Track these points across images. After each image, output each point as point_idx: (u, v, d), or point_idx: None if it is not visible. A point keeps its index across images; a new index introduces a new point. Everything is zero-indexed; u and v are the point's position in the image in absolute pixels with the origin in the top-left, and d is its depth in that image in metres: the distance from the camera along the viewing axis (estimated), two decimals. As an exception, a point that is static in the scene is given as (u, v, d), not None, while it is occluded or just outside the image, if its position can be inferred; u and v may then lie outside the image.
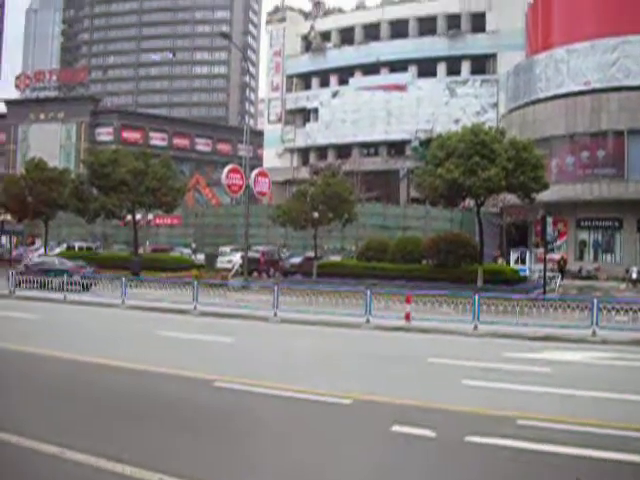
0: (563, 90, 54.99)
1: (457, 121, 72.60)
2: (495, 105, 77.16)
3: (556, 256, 48.43)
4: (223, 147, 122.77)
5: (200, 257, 51.69)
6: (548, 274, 37.47)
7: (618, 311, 20.56)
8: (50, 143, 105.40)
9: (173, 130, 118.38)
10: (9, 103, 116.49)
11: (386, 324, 20.96)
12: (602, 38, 53.08)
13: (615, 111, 51.60)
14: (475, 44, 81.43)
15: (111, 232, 65.58)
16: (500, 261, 48.71)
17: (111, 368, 12.68)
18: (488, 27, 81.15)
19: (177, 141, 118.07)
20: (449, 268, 37.41)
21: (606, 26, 53.17)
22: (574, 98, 53.85)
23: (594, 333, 19.28)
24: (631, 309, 20.96)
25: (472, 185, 34.41)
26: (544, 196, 38.77)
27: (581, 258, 53.52)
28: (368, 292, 22.06)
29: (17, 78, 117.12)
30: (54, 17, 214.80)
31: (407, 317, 21.33)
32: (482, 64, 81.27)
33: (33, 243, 66.34)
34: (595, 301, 20.08)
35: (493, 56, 79.82)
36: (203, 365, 13.19)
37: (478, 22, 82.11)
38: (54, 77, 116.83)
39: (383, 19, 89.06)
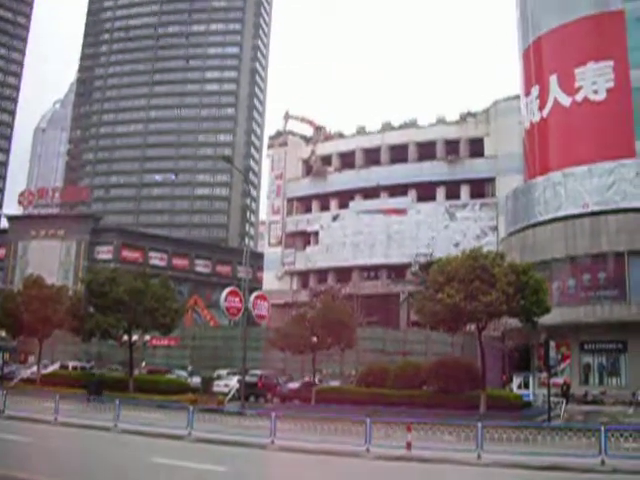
0: (562, 213, 55.63)
1: (457, 244, 73.36)
2: (495, 228, 78.11)
3: (560, 380, 47.78)
4: (222, 269, 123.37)
5: (196, 380, 50.86)
6: (553, 399, 36.86)
7: (627, 438, 20.08)
8: (49, 260, 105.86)
9: (173, 250, 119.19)
10: (11, 219, 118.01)
11: (387, 454, 20.39)
12: (598, 162, 54.16)
13: (614, 233, 52.06)
14: (474, 168, 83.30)
15: (107, 352, 64.87)
16: (508, 386, 48.06)
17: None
18: (486, 152, 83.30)
19: (176, 261, 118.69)
20: (451, 394, 36.76)
21: (602, 150, 54.38)
22: (573, 221, 54.41)
23: (603, 462, 18.73)
24: (639, 435, 20.49)
25: (473, 310, 34.33)
26: (546, 319, 38.53)
27: (586, 382, 52.68)
28: (368, 420, 21.46)
29: (20, 195, 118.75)
30: (61, 136, 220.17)
31: (408, 446, 20.76)
32: (481, 188, 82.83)
33: (26, 360, 65.50)
34: (602, 428, 19.56)
35: (492, 180, 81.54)
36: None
37: (476, 147, 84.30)
38: (57, 195, 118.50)
39: (383, 144, 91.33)
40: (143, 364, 60.02)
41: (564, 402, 41.00)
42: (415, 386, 39.21)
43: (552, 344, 36.66)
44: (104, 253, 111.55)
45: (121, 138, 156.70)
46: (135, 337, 47.36)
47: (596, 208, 53.60)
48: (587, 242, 53.17)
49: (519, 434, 21.01)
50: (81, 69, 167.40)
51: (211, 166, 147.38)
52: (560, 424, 30.07)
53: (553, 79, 59.61)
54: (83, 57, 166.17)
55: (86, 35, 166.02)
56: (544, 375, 40.87)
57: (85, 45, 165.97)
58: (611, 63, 55.56)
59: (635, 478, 17.01)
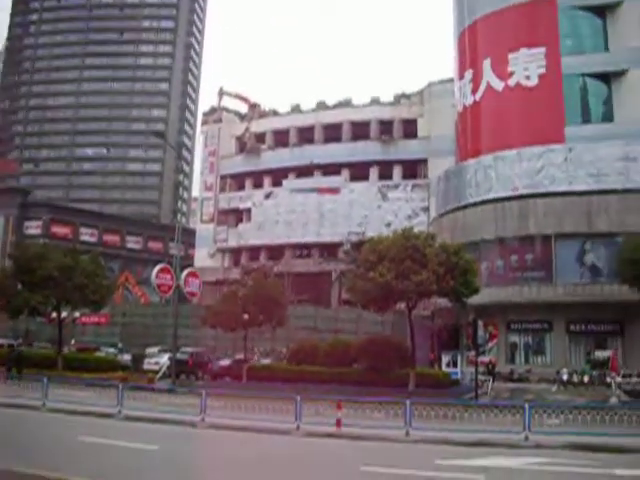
0: (492, 195, 56.51)
1: (389, 224, 73.96)
2: (426, 209, 78.99)
3: (486, 359, 48.77)
4: (154, 245, 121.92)
5: (127, 357, 50.32)
6: (480, 377, 37.61)
7: (550, 414, 20.61)
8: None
9: (104, 226, 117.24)
10: None
11: (317, 431, 20.54)
12: (528, 146, 55.14)
13: (542, 216, 53.17)
14: (407, 149, 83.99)
15: (35, 329, 63.62)
16: (436, 365, 48.84)
17: (24, 477, 12.03)
18: (420, 133, 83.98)
19: (107, 238, 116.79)
20: (380, 372, 37.17)
21: (532, 135, 55.40)
22: (503, 203, 55.34)
23: (527, 438, 19.22)
24: (562, 412, 21.07)
25: (404, 289, 34.76)
26: (475, 299, 39.22)
27: (512, 361, 53.93)
28: (298, 398, 21.58)
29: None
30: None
31: (338, 424, 20.95)
32: (414, 169, 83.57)
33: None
34: (527, 405, 20.07)
35: (424, 161, 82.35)
36: (125, 476, 12.62)
37: (410, 128, 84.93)
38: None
39: (317, 123, 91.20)
40: (72, 342, 59.05)
41: (491, 380, 41.92)
42: (345, 364, 39.54)
43: (480, 323, 37.37)
44: (33, 228, 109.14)
45: (52, 110, 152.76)
46: (64, 314, 46.47)
47: (525, 191, 54.62)
48: (516, 224, 54.19)
49: (447, 411, 21.43)
50: (10, 37, 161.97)
51: (144, 141, 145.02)
52: (486, 402, 30.69)
53: (487, 63, 60.37)
54: (12, 25, 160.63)
55: (15, 2, 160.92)
56: (472, 354, 41.64)
57: (14, 13, 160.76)
58: (543, 50, 56.57)
59: (556, 452, 17.50)
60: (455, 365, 47.75)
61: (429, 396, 27.08)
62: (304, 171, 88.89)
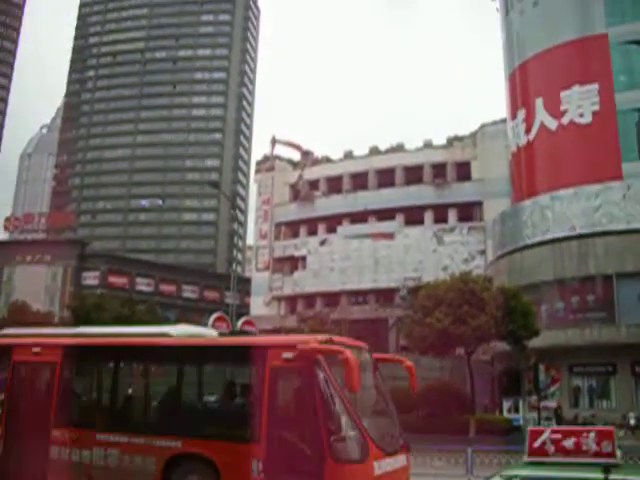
0: (549, 236, 55.81)
1: (445, 268, 73.39)
2: (483, 252, 78.22)
3: (551, 404, 47.75)
4: (210, 294, 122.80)
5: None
6: (543, 423, 36.85)
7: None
8: (35, 286, 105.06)
9: (160, 276, 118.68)
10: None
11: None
12: (585, 185, 54.48)
13: (602, 255, 52.26)
14: (461, 192, 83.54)
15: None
16: (498, 410, 48.07)
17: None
18: (474, 175, 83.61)
19: (164, 287, 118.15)
20: (440, 418, 36.70)
21: (589, 173, 54.73)
22: (560, 244, 54.59)
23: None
24: (631, 459, 20.55)
25: (462, 334, 34.48)
26: (535, 342, 38.62)
27: (576, 405, 52.61)
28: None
29: (6, 220, 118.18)
30: (47, 161, 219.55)
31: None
32: (469, 211, 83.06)
33: None
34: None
35: (479, 204, 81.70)
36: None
37: (463, 171, 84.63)
38: (43, 220, 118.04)
39: (370, 168, 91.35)
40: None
41: (556, 425, 40.93)
42: (405, 411, 39.08)
43: (541, 367, 36.81)
44: (91, 279, 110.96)
45: (108, 163, 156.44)
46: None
47: (583, 231, 53.86)
48: (575, 265, 53.35)
49: (509, 459, 21.02)
50: (68, 94, 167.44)
51: (198, 191, 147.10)
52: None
53: (539, 102, 60.14)
54: (70, 82, 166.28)
55: (73, 60, 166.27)
56: (534, 398, 40.90)
57: (72, 70, 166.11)
58: (596, 86, 56.09)
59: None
60: (517, 411, 46.83)
61: (491, 443, 26.62)
62: (358, 217, 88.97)
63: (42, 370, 16.95)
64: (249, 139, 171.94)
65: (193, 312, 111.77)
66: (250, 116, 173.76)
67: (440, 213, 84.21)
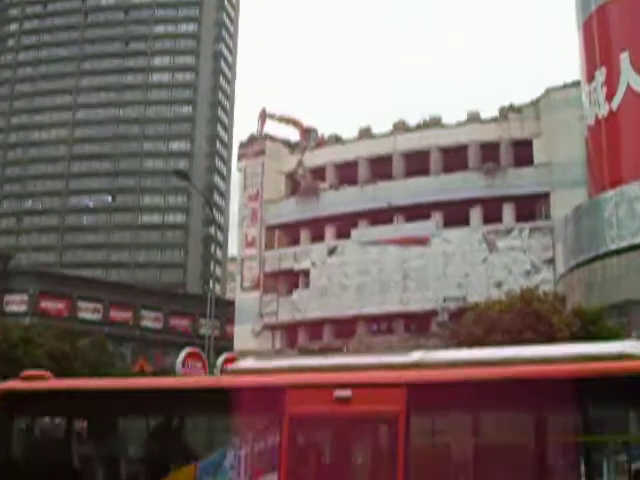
0: (640, 239, 55.69)
1: (499, 285, 73.25)
2: (550, 261, 77.71)
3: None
4: (179, 323, 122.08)
5: None
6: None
7: None
8: None
9: (110, 299, 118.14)
10: None
11: None
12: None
13: None
14: (520, 181, 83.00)
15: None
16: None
17: None
18: (537, 159, 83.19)
19: (115, 314, 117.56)
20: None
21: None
22: (657, 249, 54.46)
23: None
24: None
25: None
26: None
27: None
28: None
29: None
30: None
31: None
32: (531, 207, 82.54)
33: None
34: None
35: (545, 196, 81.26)
36: None
37: (523, 152, 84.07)
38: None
39: (395, 151, 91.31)
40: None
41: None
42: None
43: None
44: (16, 304, 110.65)
45: (38, 148, 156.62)
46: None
47: (688, 232, 53.72)
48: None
49: None
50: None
51: (161, 185, 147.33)
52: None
53: (625, 59, 59.88)
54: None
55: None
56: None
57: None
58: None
59: None
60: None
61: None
62: (380, 216, 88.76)
63: (362, 428, 13.97)
64: (230, 114, 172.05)
65: (156, 347, 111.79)
66: (230, 83, 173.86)
67: (491, 210, 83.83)
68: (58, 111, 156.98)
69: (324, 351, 63.28)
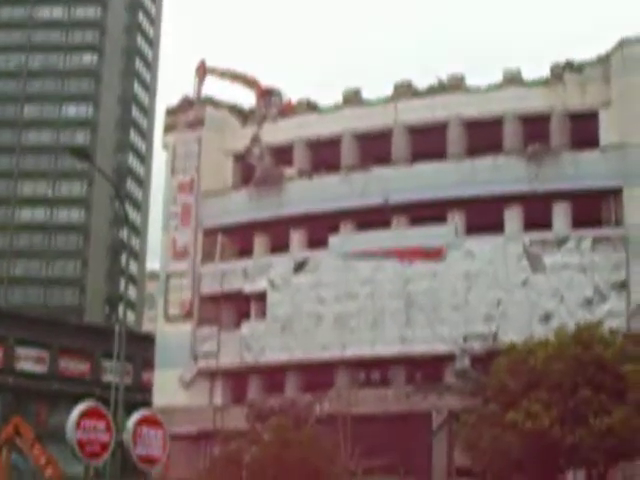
0: None
1: (546, 318, 73.71)
2: (623, 286, 77.91)
3: None
4: (72, 365, 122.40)
5: None
6: None
7: None
8: None
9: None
10: None
11: None
12: None
13: None
14: (579, 171, 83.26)
15: None
16: None
17: None
18: (604, 139, 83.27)
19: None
20: None
21: None
22: None
23: None
24: None
25: (580, 443, 34.81)
26: None
27: None
28: None
29: None
30: None
31: None
32: (594, 208, 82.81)
33: None
34: None
35: (615, 192, 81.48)
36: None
37: (584, 129, 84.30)
38: None
39: (397, 124, 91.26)
40: None
41: None
42: None
43: None
44: None
45: None
46: None
47: None
48: None
49: None
50: None
51: (49, 166, 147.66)
52: None
53: None
54: None
55: None
56: None
57: None
58: None
59: None
60: None
61: None
62: (372, 217, 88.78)
63: None
64: (152, 66, 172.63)
65: (38, 399, 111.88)
66: (155, 23, 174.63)
67: (536, 211, 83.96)
68: None
69: (287, 411, 63.36)
